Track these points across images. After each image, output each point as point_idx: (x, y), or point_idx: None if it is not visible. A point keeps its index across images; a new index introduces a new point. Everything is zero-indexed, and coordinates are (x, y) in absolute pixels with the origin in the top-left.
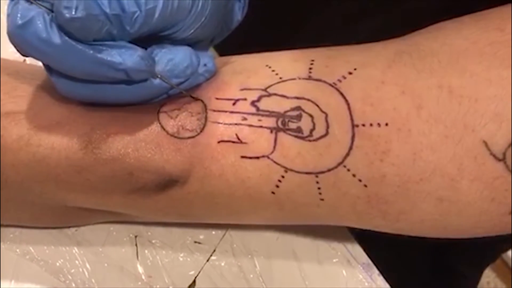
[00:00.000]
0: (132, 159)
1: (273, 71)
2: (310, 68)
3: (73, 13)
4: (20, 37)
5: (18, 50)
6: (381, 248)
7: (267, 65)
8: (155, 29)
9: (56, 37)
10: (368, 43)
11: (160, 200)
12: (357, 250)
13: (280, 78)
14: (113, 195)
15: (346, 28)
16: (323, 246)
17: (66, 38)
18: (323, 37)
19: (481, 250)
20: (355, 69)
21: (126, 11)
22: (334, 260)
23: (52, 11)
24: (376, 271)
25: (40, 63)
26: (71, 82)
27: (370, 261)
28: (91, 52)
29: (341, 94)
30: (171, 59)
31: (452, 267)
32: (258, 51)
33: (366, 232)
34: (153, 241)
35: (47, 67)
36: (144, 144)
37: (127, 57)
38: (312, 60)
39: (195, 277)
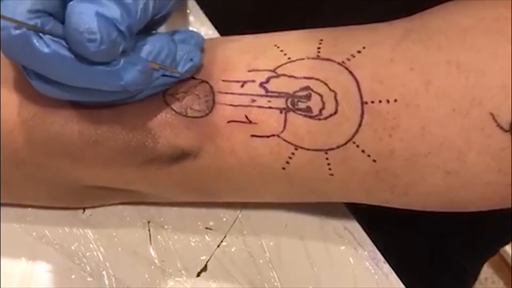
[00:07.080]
0: (144, 131)
1: (281, 51)
2: (319, 48)
3: (98, 45)
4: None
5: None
6: (383, 239)
7: (275, 45)
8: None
9: (45, 48)
10: (376, 23)
11: (173, 172)
12: (364, 238)
13: (289, 58)
14: (127, 167)
15: (355, 12)
16: (331, 234)
17: (66, 53)
18: (334, 22)
19: (482, 243)
20: (364, 47)
21: (133, 16)
22: (342, 248)
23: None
24: (382, 259)
25: None
26: (55, 88)
27: (376, 249)
28: (90, 67)
29: (350, 72)
30: (151, 51)
31: (453, 259)
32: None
33: (371, 221)
34: (166, 227)
35: (24, 68)
36: (154, 121)
37: (126, 73)
38: (321, 40)
39: (207, 262)
